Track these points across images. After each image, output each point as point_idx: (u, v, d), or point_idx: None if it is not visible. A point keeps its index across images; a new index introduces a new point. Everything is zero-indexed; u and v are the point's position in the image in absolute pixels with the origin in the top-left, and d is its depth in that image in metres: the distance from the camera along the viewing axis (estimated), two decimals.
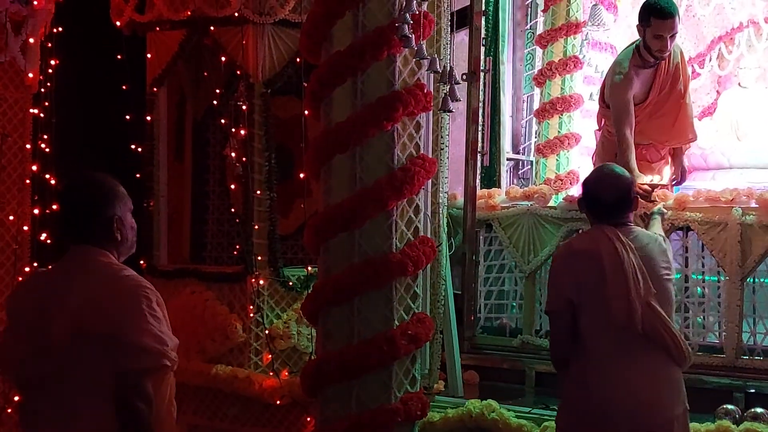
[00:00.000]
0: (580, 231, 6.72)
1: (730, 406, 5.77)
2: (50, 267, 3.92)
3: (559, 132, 8.70)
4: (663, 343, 4.41)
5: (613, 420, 4.35)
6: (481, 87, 7.42)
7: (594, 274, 4.44)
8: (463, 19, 7.03)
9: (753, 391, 6.04)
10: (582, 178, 5.56)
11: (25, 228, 7.09)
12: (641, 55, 6.94)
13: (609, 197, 4.58)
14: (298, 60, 6.56)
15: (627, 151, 6.78)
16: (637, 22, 6.92)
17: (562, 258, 4.76)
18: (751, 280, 6.25)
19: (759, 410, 5.70)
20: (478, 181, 7.36)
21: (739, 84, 9.29)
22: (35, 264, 6.83)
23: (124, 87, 6.89)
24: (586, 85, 8.92)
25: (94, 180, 3.88)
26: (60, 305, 3.65)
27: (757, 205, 6.16)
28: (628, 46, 7.21)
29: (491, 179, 8.53)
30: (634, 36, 7.29)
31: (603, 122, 7.34)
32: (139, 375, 3.59)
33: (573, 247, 4.75)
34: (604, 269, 4.41)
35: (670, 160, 7.34)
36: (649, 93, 7.06)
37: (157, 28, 7.04)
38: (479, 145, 7.38)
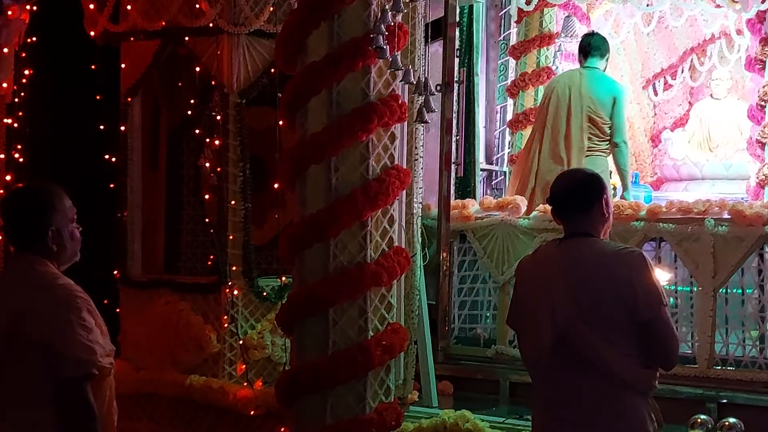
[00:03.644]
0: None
1: (702, 416, 5.80)
2: None
3: None
4: (598, 369, 3.86)
5: None
6: (455, 98, 7.44)
7: (523, 291, 4.16)
8: (437, 30, 7.05)
9: (725, 401, 6.07)
10: None
11: None
12: None
13: (561, 190, 4.10)
14: (272, 70, 6.56)
15: None
16: (605, 57, 7.59)
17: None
18: (724, 290, 6.29)
19: (731, 420, 5.74)
20: (452, 191, 7.38)
21: (711, 95, 9.38)
22: None
23: (98, 97, 6.85)
24: None
25: (31, 191, 3.96)
26: None
27: (729, 216, 6.20)
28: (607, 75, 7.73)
29: (465, 190, 8.55)
30: None
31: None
32: (73, 383, 3.64)
33: (521, 261, 4.35)
34: (528, 286, 4.11)
35: None
36: None
37: (132, 38, 7.01)
38: (453, 155, 7.41)
